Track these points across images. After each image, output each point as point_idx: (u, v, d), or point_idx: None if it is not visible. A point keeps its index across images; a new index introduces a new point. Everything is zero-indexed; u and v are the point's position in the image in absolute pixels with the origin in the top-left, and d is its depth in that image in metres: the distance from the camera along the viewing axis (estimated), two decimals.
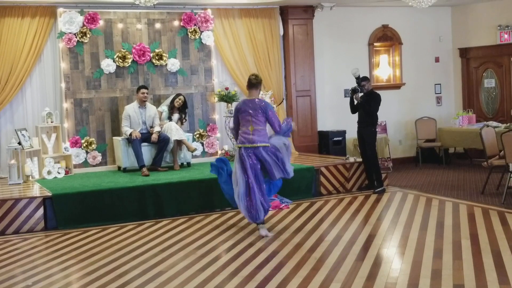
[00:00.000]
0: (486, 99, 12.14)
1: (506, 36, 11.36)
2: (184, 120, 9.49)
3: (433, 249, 5.69)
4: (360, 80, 8.84)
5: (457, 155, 12.15)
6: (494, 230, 6.29)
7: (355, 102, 8.85)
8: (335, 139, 10.87)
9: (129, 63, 9.54)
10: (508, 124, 10.44)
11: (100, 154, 9.44)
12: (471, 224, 6.65)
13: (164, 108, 9.43)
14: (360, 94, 8.72)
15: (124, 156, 9.03)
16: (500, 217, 6.88)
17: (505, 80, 11.71)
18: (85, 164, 9.33)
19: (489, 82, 12.01)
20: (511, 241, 5.82)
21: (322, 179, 8.85)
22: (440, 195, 8.44)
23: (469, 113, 11.83)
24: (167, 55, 9.81)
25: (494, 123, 10.85)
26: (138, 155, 8.76)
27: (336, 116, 11.20)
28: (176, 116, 9.37)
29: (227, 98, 9.94)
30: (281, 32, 10.78)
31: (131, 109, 9.06)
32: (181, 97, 9.40)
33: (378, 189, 8.76)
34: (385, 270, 5.12)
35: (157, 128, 9.04)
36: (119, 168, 9.28)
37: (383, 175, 9.12)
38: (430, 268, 5.09)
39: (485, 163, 8.62)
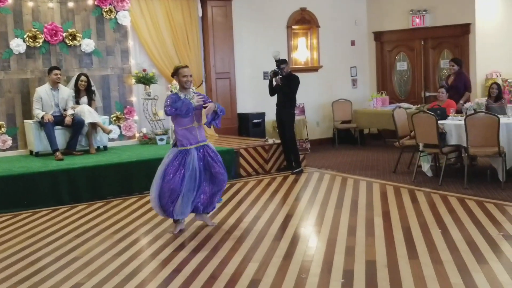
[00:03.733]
0: (398, 81, 12.59)
1: (418, 20, 11.79)
2: (92, 101, 9.13)
3: (347, 226, 5.88)
4: (279, 62, 8.92)
5: (372, 135, 12.56)
6: (404, 207, 6.57)
7: (274, 84, 8.93)
8: (254, 121, 10.95)
9: (41, 43, 9.15)
10: (419, 106, 10.88)
11: (10, 138, 9.03)
12: (384, 202, 6.91)
13: (70, 92, 9.06)
14: (279, 77, 8.81)
15: (36, 140, 8.69)
16: (411, 195, 7.19)
17: (416, 63, 12.18)
18: None
19: (402, 65, 12.45)
20: (420, 217, 6.10)
21: (242, 161, 8.90)
22: (355, 175, 8.71)
23: (383, 95, 12.24)
24: (81, 35, 9.49)
25: (406, 105, 11.29)
26: (51, 139, 8.46)
27: (255, 98, 11.27)
28: (84, 98, 9.06)
29: (144, 80, 9.77)
30: (200, 14, 10.68)
31: (42, 91, 8.72)
32: (83, 77, 9.04)
33: (296, 170, 8.93)
34: (302, 248, 5.24)
35: (70, 111, 8.75)
36: (31, 152, 8.93)
37: (301, 156, 9.29)
38: (344, 245, 5.25)
39: (397, 143, 8.95)
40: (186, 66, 5.86)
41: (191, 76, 5.80)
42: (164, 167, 5.77)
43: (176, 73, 5.81)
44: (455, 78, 9.48)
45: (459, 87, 9.29)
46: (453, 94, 9.26)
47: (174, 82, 9.79)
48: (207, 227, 6.07)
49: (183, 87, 5.79)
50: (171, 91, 9.71)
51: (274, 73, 8.84)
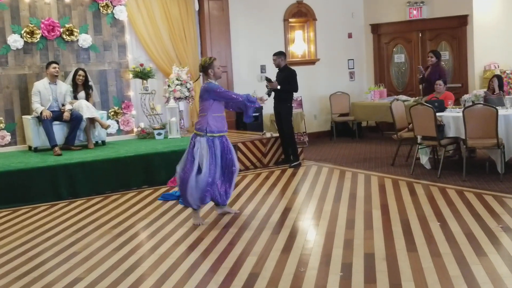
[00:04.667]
0: (396, 73, 12.58)
1: (415, 12, 11.77)
2: (89, 97, 9.11)
3: (346, 220, 5.88)
4: (268, 81, 8.82)
5: (369, 128, 12.57)
6: (403, 200, 6.58)
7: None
8: (254, 114, 10.91)
9: (38, 39, 9.13)
10: (416, 98, 10.88)
11: (9, 133, 9.03)
12: (382, 194, 6.92)
13: (68, 87, 9.05)
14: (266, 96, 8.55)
15: (34, 135, 8.68)
16: (409, 187, 7.20)
17: (414, 55, 12.17)
18: None
19: (399, 57, 12.45)
20: (418, 210, 6.11)
21: (240, 154, 8.90)
22: (353, 168, 8.71)
23: (380, 88, 12.23)
24: (78, 31, 9.46)
25: (404, 97, 11.29)
26: (50, 134, 8.45)
27: (252, 92, 11.20)
28: (82, 93, 9.04)
29: (142, 74, 9.76)
30: (196, 8, 10.65)
31: (41, 85, 8.71)
32: (81, 72, 9.03)
33: (294, 163, 8.93)
34: (300, 242, 5.25)
35: (68, 106, 8.73)
36: (29, 148, 8.92)
37: (299, 150, 9.29)
38: (342, 239, 5.26)
39: (395, 135, 8.96)
40: (215, 59, 6.14)
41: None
42: (202, 159, 5.90)
43: (210, 66, 6.02)
44: (431, 70, 9.48)
45: (433, 80, 9.23)
46: (427, 85, 9.30)
47: (172, 76, 9.80)
48: (206, 220, 6.07)
49: (218, 77, 6.11)
50: (169, 85, 9.72)
51: (268, 93, 8.70)
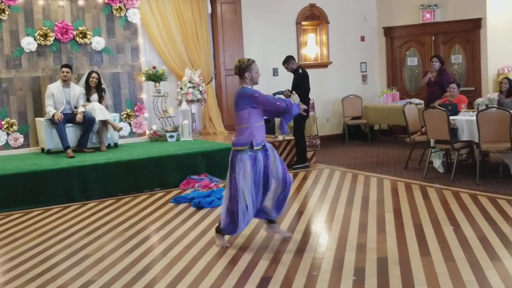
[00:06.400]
0: (409, 77, 12.52)
1: (428, 15, 11.71)
2: (103, 99, 9.15)
3: (359, 223, 5.85)
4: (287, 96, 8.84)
5: (382, 131, 12.51)
6: (416, 204, 6.54)
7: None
8: (264, 117, 10.89)
9: (51, 42, 9.20)
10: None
11: (22, 136, 9.09)
12: (395, 198, 6.88)
13: (81, 89, 9.09)
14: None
15: (47, 137, 8.73)
16: (422, 191, 7.15)
17: (427, 58, 12.06)
18: (6, 146, 8.97)
19: (412, 61, 12.38)
20: (432, 214, 6.06)
21: None
22: (366, 171, 8.67)
23: (393, 91, 12.18)
24: (92, 33, 9.52)
25: (417, 100, 11.21)
26: (62, 136, 8.49)
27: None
28: (95, 96, 9.09)
29: (154, 77, 9.80)
30: (209, 11, 10.67)
31: (54, 88, 8.76)
32: (94, 74, 9.06)
33: (298, 165, 8.92)
34: (313, 245, 5.22)
35: (81, 109, 8.78)
36: (42, 150, 8.97)
37: (311, 153, 9.27)
38: (355, 242, 5.23)
39: (408, 139, 8.91)
40: (254, 61, 5.36)
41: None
42: (245, 180, 5.16)
43: (248, 68, 5.24)
44: (440, 74, 9.39)
45: (444, 83, 9.16)
46: (437, 90, 9.20)
47: (184, 79, 9.82)
48: (216, 225, 6.06)
49: (255, 83, 5.32)
50: (181, 88, 9.73)
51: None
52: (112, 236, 5.84)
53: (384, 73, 12.78)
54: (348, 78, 12.42)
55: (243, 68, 5.26)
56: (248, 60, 5.30)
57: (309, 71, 9.43)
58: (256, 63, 5.34)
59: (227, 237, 5.43)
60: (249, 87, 5.30)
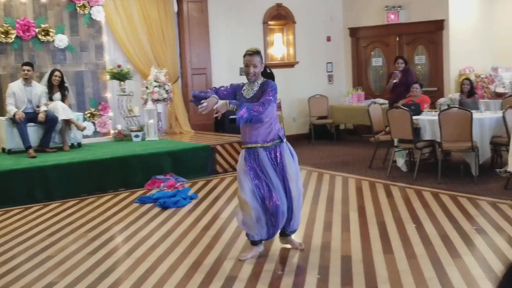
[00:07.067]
0: (374, 77, 12.66)
1: (392, 16, 11.86)
2: (65, 98, 8.97)
3: (323, 222, 5.89)
4: None
5: (347, 131, 12.63)
6: (380, 202, 6.62)
7: None
8: (231, 117, 10.88)
9: (13, 39, 9.02)
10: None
11: None
12: (359, 197, 6.95)
13: (43, 88, 8.92)
14: None
15: (8, 137, 8.55)
16: (386, 190, 7.24)
17: (391, 59, 12.23)
18: None
19: (377, 61, 12.53)
20: (395, 212, 6.15)
21: (218, 157, 8.87)
22: (331, 170, 8.74)
23: (358, 91, 12.31)
24: (54, 31, 9.36)
25: (381, 100, 11.36)
26: (24, 136, 8.33)
27: None
28: (58, 95, 8.93)
29: (119, 76, 9.69)
30: (176, 9, 10.61)
31: (15, 86, 8.59)
32: (57, 72, 8.90)
33: None
34: (278, 244, 5.23)
35: (43, 108, 8.62)
36: (3, 149, 8.77)
37: None
38: (320, 241, 5.27)
39: (372, 138, 9.01)
40: (253, 53, 4.72)
41: (255, 66, 4.72)
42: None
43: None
44: (405, 75, 9.44)
45: (409, 83, 9.25)
46: (402, 91, 9.26)
47: (150, 78, 9.74)
48: (183, 224, 6.03)
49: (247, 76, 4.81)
50: (147, 87, 9.65)
51: None
52: (75, 237, 5.76)
53: (349, 73, 12.90)
54: (315, 78, 12.50)
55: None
56: (248, 50, 4.77)
57: (275, 71, 9.32)
58: (249, 57, 4.73)
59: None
60: (246, 84, 4.90)
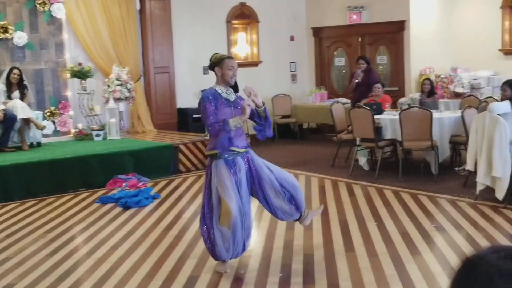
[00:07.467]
0: (337, 76, 12.77)
1: (355, 16, 11.98)
2: (24, 96, 8.78)
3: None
4: None
5: (311, 130, 12.70)
6: (342, 201, 6.68)
7: None
8: (194, 116, 10.85)
9: None
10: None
11: None
12: (322, 195, 7.00)
13: (1, 86, 8.73)
14: None
15: None
16: (348, 188, 7.32)
17: (354, 59, 12.34)
18: None
19: (340, 61, 12.63)
20: (356, 210, 6.21)
21: (181, 156, 8.82)
22: (295, 169, 8.73)
23: (322, 90, 12.39)
24: (14, 28, 9.15)
25: (344, 100, 11.44)
26: None
27: (195, 93, 11.17)
28: (16, 93, 8.73)
29: (80, 74, 9.53)
30: (138, 7, 10.49)
31: None
32: (16, 70, 8.71)
33: None
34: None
35: (1, 106, 8.42)
36: None
37: None
38: (282, 240, 5.29)
39: (335, 137, 9.08)
40: (232, 57, 4.73)
41: (237, 69, 4.62)
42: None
43: (219, 63, 4.52)
44: (367, 74, 9.50)
45: (371, 83, 9.32)
46: (364, 90, 9.30)
47: (112, 76, 9.60)
48: (145, 224, 5.97)
49: (226, 82, 4.56)
50: (108, 86, 9.52)
51: None
52: (33, 238, 5.64)
53: (313, 72, 12.98)
54: (278, 77, 12.53)
55: (214, 63, 4.56)
56: (223, 55, 4.64)
57: (239, 70, 9.40)
58: (233, 60, 4.60)
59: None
60: (218, 87, 4.58)
